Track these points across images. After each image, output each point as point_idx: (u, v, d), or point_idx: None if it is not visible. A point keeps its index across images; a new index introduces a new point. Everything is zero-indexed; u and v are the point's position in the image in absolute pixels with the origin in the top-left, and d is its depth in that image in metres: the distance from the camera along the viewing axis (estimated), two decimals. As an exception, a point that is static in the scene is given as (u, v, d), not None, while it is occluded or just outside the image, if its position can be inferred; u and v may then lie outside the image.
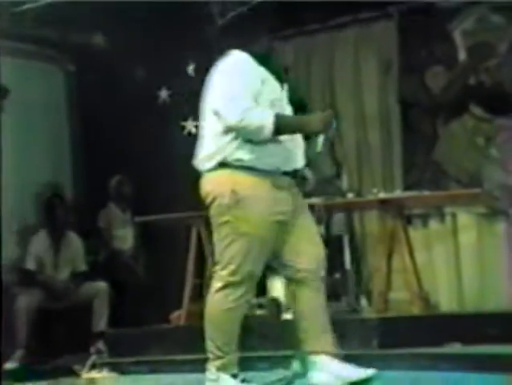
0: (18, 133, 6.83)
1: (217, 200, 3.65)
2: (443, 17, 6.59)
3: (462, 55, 6.63)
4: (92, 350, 6.19)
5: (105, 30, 7.21)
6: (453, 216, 6.49)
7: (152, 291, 6.84)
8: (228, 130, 3.61)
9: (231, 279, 3.64)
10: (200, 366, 5.22)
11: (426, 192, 6.03)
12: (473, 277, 6.32)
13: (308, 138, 3.79)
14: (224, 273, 3.66)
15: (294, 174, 3.78)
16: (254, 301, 5.97)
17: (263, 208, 3.63)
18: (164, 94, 7.22)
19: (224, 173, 3.65)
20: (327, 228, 6.18)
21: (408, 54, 6.79)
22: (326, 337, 3.77)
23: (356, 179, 6.86)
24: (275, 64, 3.84)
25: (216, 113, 3.65)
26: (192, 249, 6.30)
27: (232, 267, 3.63)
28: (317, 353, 3.74)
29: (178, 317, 6.28)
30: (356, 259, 6.54)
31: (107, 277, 6.67)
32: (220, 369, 3.70)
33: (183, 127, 7.05)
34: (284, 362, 4.61)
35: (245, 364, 5.12)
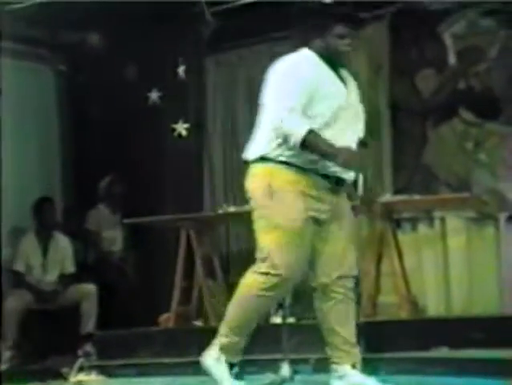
0: (7, 133, 6.81)
1: (255, 192, 3.71)
2: (434, 19, 6.60)
3: (452, 59, 6.64)
4: (80, 352, 6.17)
5: (96, 30, 7.20)
6: (442, 220, 6.49)
7: (141, 293, 6.84)
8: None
9: (269, 270, 3.64)
10: (188, 368, 5.25)
11: (415, 196, 6.04)
12: (461, 282, 6.33)
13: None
14: (263, 262, 3.66)
15: (338, 181, 3.76)
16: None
17: (297, 202, 3.64)
18: (154, 95, 7.21)
19: (263, 167, 3.70)
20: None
21: (398, 56, 6.79)
22: (350, 347, 3.78)
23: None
24: (342, 64, 3.80)
25: (265, 108, 3.72)
26: (181, 252, 6.30)
27: (270, 258, 3.64)
28: (338, 363, 3.77)
29: (167, 319, 6.28)
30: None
31: (96, 279, 6.66)
32: (222, 349, 3.73)
33: (173, 129, 7.05)
34: (272, 365, 4.61)
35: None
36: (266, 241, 3.67)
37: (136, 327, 6.29)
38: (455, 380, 4.41)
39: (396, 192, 6.43)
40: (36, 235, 6.69)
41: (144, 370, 5.48)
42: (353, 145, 3.76)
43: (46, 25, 7.16)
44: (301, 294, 6.25)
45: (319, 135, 3.59)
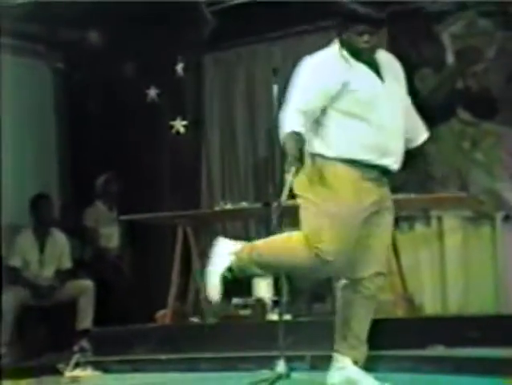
0: (4, 130, 6.81)
1: (304, 180, 3.65)
2: (432, 19, 6.61)
3: (450, 59, 6.66)
4: (76, 348, 6.17)
5: (94, 28, 7.21)
6: (439, 219, 6.52)
7: (138, 290, 6.84)
8: None
9: (319, 253, 3.57)
10: (184, 365, 5.26)
11: (412, 195, 6.05)
12: (457, 280, 6.34)
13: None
14: (312, 240, 3.61)
15: (384, 171, 3.77)
16: (239, 301, 5.99)
17: (352, 194, 3.63)
18: (152, 92, 7.22)
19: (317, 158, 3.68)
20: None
21: (396, 55, 6.79)
22: (359, 344, 3.77)
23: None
24: (373, 60, 3.80)
25: None
26: (178, 249, 6.30)
27: (321, 242, 3.57)
28: (342, 354, 3.76)
29: (163, 316, 6.28)
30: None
31: (93, 275, 6.66)
32: None
33: (171, 127, 7.05)
34: (268, 362, 4.62)
35: (229, 364, 5.18)
36: (319, 225, 3.60)
37: (133, 324, 6.30)
38: (451, 378, 4.42)
39: (393, 191, 6.43)
40: (33, 231, 6.69)
41: (140, 367, 5.48)
42: (396, 134, 3.75)
43: (44, 22, 7.16)
44: (298, 292, 6.32)
45: (298, 140, 3.52)
